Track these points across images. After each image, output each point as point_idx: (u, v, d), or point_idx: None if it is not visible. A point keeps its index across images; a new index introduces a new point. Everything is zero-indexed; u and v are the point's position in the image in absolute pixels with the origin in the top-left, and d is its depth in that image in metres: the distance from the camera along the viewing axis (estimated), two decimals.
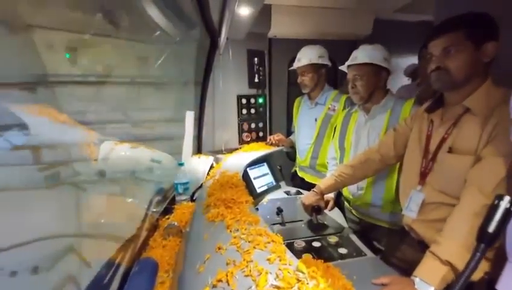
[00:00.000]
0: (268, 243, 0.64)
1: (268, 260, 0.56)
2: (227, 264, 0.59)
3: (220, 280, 0.53)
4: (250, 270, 0.53)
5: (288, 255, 0.59)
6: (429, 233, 0.92)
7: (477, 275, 0.74)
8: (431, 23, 1.42)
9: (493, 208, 0.48)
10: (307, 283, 0.47)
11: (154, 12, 1.25)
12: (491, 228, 0.47)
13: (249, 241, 0.65)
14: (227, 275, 0.53)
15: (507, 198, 0.47)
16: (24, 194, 0.79)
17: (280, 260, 0.56)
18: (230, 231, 0.73)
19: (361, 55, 1.30)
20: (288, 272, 0.51)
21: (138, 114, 1.58)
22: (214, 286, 0.53)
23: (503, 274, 0.63)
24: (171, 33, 1.51)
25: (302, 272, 0.50)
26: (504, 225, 0.46)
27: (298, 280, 0.48)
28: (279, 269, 0.53)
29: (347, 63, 1.35)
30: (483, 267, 0.76)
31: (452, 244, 0.74)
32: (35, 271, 0.71)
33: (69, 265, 0.81)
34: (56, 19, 0.91)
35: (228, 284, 0.51)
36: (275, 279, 0.50)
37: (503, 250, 0.65)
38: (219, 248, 0.66)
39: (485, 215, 0.49)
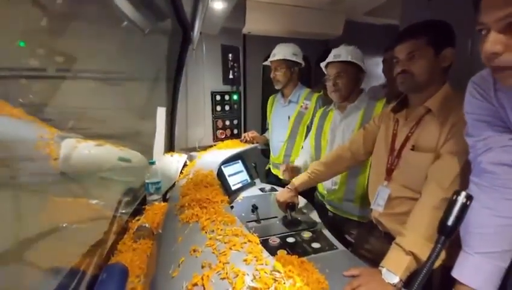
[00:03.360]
0: (245, 243, 0.63)
1: (245, 260, 0.56)
2: (202, 267, 0.57)
3: (195, 284, 0.52)
4: (226, 273, 0.52)
5: (265, 254, 0.59)
6: (395, 226, 0.99)
7: (436, 264, 0.80)
8: (397, 27, 1.50)
9: (452, 203, 0.52)
10: (284, 283, 0.48)
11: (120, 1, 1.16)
12: (450, 221, 0.51)
13: (225, 243, 0.64)
14: (202, 279, 0.52)
15: (463, 193, 0.52)
16: None
17: (257, 261, 0.56)
18: (206, 232, 0.71)
19: (345, 53, 1.33)
20: (265, 273, 0.51)
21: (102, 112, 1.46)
22: None
23: (458, 261, 0.69)
24: (140, 24, 1.41)
25: (279, 272, 0.51)
26: (461, 218, 0.51)
27: (275, 280, 0.49)
28: (256, 270, 0.52)
29: (330, 60, 1.37)
30: (441, 256, 0.82)
31: (415, 236, 0.79)
32: None
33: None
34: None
35: (204, 288, 0.50)
36: (252, 280, 0.49)
37: (457, 239, 0.71)
38: (194, 251, 0.64)
39: (445, 210, 0.53)
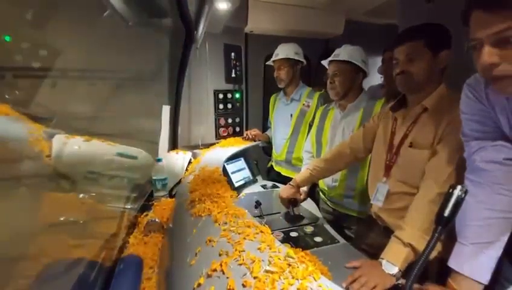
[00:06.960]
0: (257, 233, 0.68)
1: (259, 249, 0.61)
2: (219, 255, 0.61)
3: (214, 270, 0.56)
4: (243, 259, 0.57)
5: (277, 243, 0.64)
6: (393, 220, 1.03)
7: (432, 256, 0.86)
8: (397, 27, 1.54)
9: (448, 196, 0.57)
10: (298, 267, 0.52)
11: None
12: (447, 213, 0.56)
13: (239, 233, 0.68)
14: (221, 265, 0.56)
15: (459, 187, 0.57)
16: None
17: (270, 249, 0.61)
18: (219, 224, 0.75)
19: (343, 53, 1.37)
20: (279, 259, 0.56)
21: None
22: (209, 276, 0.56)
23: (454, 252, 0.75)
24: (124, 15, 1.31)
25: (292, 257, 0.56)
26: (457, 210, 0.56)
27: (289, 265, 0.53)
28: (270, 257, 0.57)
29: (329, 59, 1.42)
30: (437, 247, 0.88)
31: (413, 229, 0.84)
32: None
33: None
34: None
35: (223, 273, 0.55)
36: (268, 265, 0.54)
37: (453, 231, 0.76)
38: (210, 241, 0.68)
39: (442, 202, 0.58)
